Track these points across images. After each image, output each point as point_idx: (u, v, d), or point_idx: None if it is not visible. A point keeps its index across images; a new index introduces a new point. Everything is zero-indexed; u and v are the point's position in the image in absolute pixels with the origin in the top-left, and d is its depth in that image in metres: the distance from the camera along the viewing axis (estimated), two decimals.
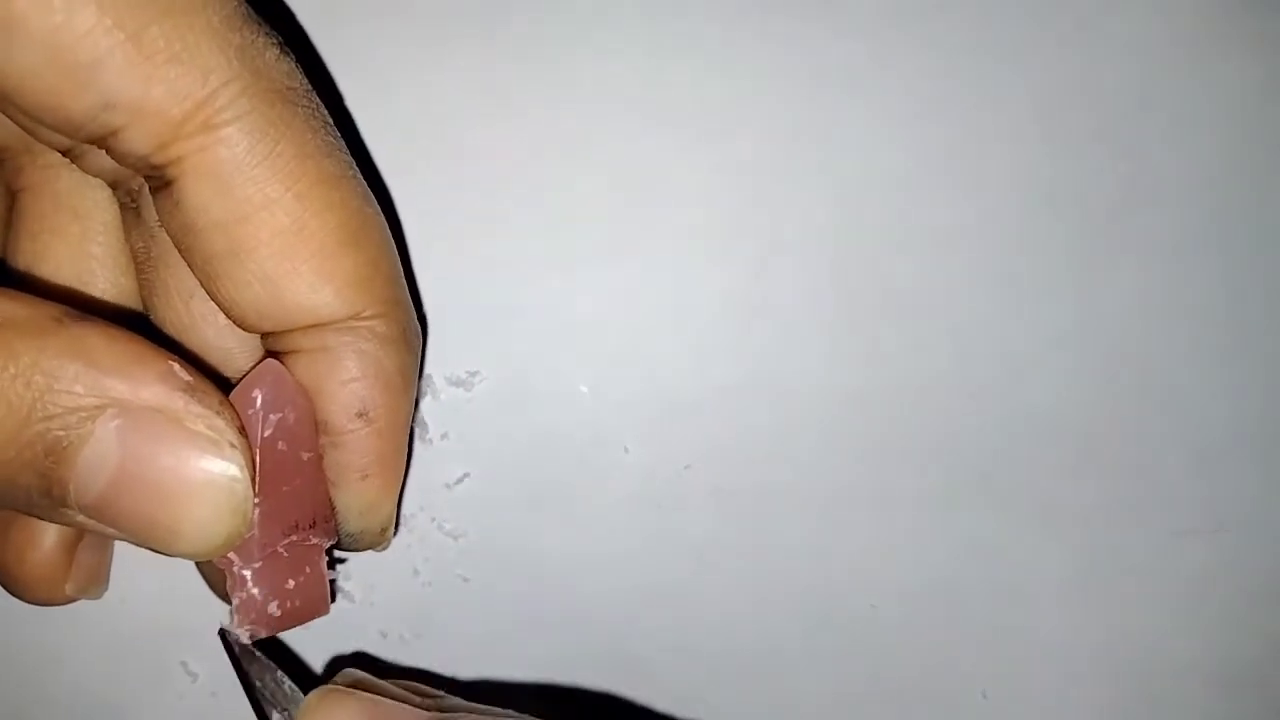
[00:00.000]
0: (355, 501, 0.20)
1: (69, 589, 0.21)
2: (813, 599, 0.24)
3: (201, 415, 0.16)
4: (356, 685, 0.18)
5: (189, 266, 0.18)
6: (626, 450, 0.23)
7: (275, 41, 0.18)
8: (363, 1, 0.23)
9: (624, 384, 0.23)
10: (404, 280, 0.20)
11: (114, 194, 0.20)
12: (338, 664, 0.24)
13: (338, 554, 0.22)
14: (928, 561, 0.24)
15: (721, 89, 0.23)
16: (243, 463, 0.16)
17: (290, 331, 0.18)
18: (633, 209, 0.23)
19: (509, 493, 0.23)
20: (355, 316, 0.18)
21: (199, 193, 0.17)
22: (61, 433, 0.16)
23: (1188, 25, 0.23)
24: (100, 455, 0.16)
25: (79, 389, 0.16)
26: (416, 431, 0.23)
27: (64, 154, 0.18)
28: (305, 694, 0.18)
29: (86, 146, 0.18)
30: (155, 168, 0.17)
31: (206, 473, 0.16)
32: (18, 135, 0.19)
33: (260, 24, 0.18)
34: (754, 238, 0.23)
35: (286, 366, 0.19)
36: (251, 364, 0.20)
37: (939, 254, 0.23)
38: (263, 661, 0.19)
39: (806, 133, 0.23)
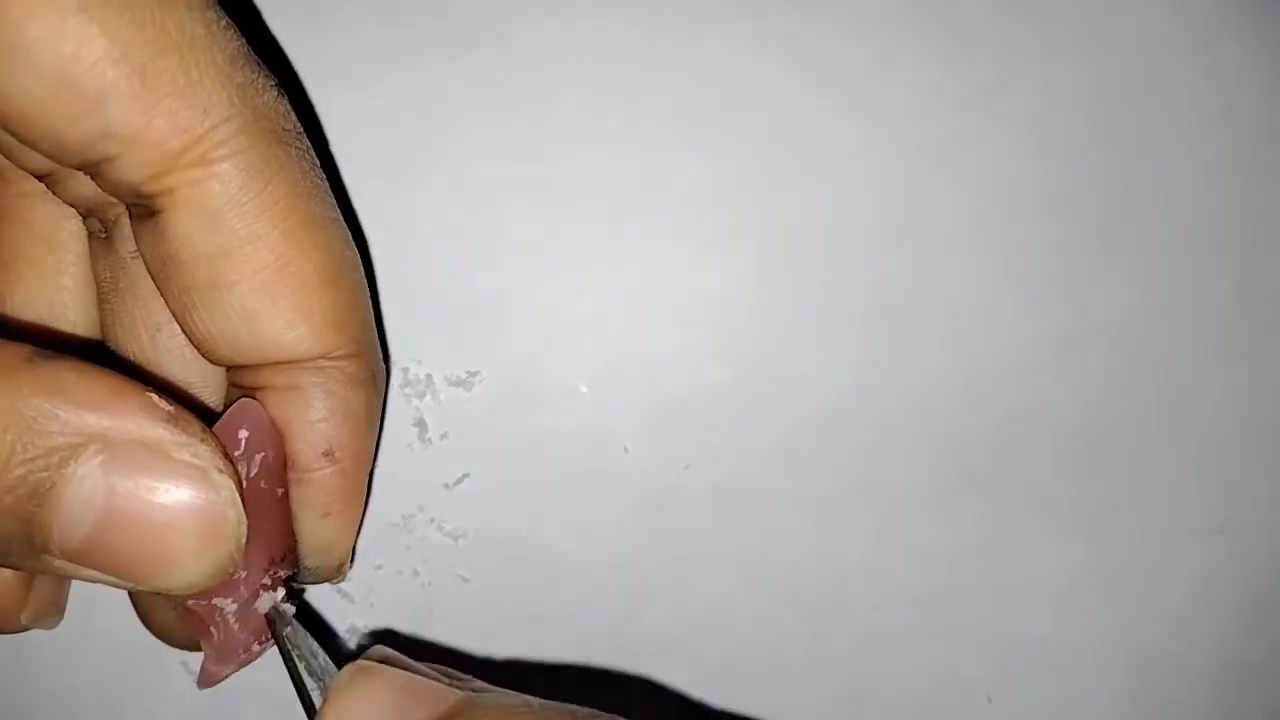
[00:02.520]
0: (314, 538, 0.20)
1: (24, 618, 0.21)
2: (814, 600, 0.24)
3: (186, 444, 0.16)
4: (386, 662, 0.18)
5: (164, 297, 0.18)
6: (626, 450, 0.23)
7: (273, 83, 0.18)
8: (364, 1, 0.23)
9: (624, 384, 0.23)
10: (374, 323, 0.20)
11: (85, 222, 0.19)
12: (371, 640, 0.24)
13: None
14: (928, 563, 0.23)
15: (721, 89, 0.23)
16: (232, 487, 0.16)
17: (259, 367, 0.18)
18: (632, 209, 0.23)
19: (509, 493, 0.23)
20: (327, 356, 0.19)
21: (186, 224, 0.17)
22: (44, 474, 0.15)
23: (1188, 25, 0.23)
24: (85, 494, 0.15)
25: (57, 427, 0.15)
26: (416, 431, 0.23)
27: (42, 178, 0.18)
28: (339, 668, 0.18)
29: (68, 172, 0.18)
30: (144, 197, 0.17)
31: (196, 501, 0.16)
32: None
33: (260, 64, 0.18)
34: (753, 238, 0.23)
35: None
36: (215, 400, 0.20)
37: (939, 254, 0.23)
38: (301, 634, 0.19)
39: (806, 133, 0.23)
